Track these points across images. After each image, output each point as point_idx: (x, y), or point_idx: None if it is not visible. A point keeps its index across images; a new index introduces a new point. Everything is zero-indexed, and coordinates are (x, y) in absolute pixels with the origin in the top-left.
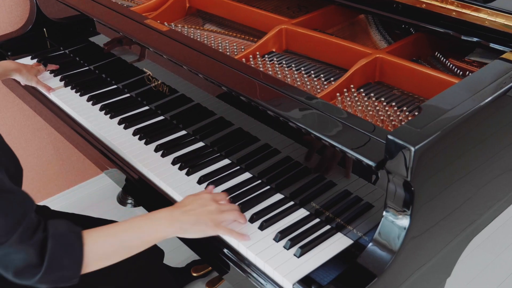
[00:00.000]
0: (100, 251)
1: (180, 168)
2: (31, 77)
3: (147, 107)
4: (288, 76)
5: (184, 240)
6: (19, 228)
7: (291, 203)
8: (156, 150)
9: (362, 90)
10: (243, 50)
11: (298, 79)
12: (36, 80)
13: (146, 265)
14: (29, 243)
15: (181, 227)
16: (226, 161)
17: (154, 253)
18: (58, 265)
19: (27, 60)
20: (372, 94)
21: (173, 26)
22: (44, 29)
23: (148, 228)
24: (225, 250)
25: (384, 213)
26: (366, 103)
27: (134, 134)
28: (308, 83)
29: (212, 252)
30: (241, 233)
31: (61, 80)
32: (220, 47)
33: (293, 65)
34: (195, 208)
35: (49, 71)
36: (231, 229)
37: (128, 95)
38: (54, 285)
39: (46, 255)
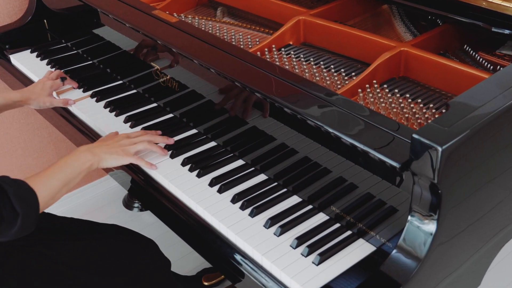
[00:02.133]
0: (47, 194)
1: (191, 170)
2: (43, 100)
3: (155, 104)
4: (306, 70)
5: (194, 247)
6: None
7: (310, 207)
8: None
9: (385, 85)
10: (258, 43)
11: (317, 74)
12: (50, 101)
13: (152, 275)
14: None
15: (99, 156)
16: (239, 162)
17: (160, 262)
18: (27, 219)
19: (27, 54)
20: (396, 90)
21: (183, 17)
22: (45, 21)
23: (74, 162)
24: (239, 257)
25: (409, 217)
26: (390, 100)
27: None
28: (327, 78)
29: (224, 259)
30: (150, 162)
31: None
32: (233, 40)
33: (311, 59)
34: (109, 143)
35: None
36: (140, 158)
37: (134, 91)
38: (21, 235)
39: (19, 214)
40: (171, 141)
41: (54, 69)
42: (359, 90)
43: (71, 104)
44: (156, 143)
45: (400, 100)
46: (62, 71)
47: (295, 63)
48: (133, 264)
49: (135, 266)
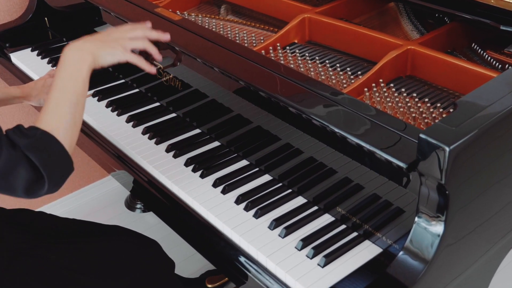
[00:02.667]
0: (66, 125)
1: (194, 170)
2: (44, 97)
3: (157, 104)
4: (312, 69)
5: (198, 248)
6: None
7: (315, 208)
8: (168, 150)
9: (392, 84)
10: (262, 41)
11: (322, 73)
12: None
13: (155, 277)
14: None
15: (94, 54)
16: (244, 162)
17: (164, 263)
18: (52, 166)
19: (27, 53)
20: (403, 89)
21: (186, 15)
22: (46, 19)
23: (74, 74)
24: (243, 259)
25: (416, 219)
26: (397, 99)
27: (144, 133)
28: (333, 77)
29: (228, 261)
30: (149, 64)
31: None
32: (237, 38)
33: (316, 58)
34: (102, 39)
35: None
36: (140, 57)
37: (137, 90)
38: (65, 179)
39: (39, 168)
40: (167, 36)
41: (55, 68)
42: (365, 89)
43: None
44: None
45: (407, 100)
46: None
47: (300, 62)
48: (136, 266)
49: (138, 268)
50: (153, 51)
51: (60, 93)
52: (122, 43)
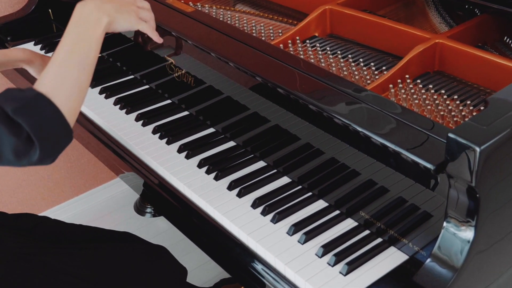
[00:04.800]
0: (67, 91)
1: (208, 172)
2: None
3: (169, 101)
4: (333, 64)
5: (211, 255)
6: None
7: (337, 212)
8: (180, 150)
9: (419, 80)
10: (280, 34)
11: (344, 68)
12: None
13: (166, 286)
14: None
15: (111, 16)
16: (261, 164)
17: (175, 271)
18: (44, 132)
19: (30, 47)
20: (430, 86)
21: (199, 6)
22: (50, 10)
23: (85, 34)
24: (260, 266)
25: (445, 224)
26: (424, 96)
27: (154, 132)
28: (356, 72)
29: (244, 268)
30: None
31: None
32: (254, 31)
33: (338, 52)
34: (117, 1)
35: None
36: (149, 26)
37: (147, 86)
38: (62, 149)
39: (29, 132)
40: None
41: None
42: (391, 85)
43: None
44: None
45: (435, 97)
46: None
47: (321, 56)
48: (145, 274)
49: (148, 277)
50: (153, 34)
51: (67, 53)
52: (136, 10)
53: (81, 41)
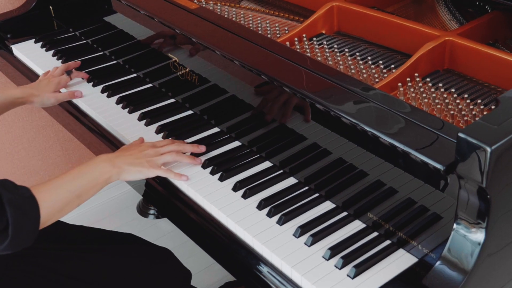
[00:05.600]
0: (54, 206)
1: (212, 172)
2: (47, 96)
3: (172, 100)
4: (341, 62)
5: (216, 258)
6: None
7: (344, 213)
8: None
9: (428, 79)
10: (286, 31)
11: (352, 67)
12: (55, 97)
13: None
14: None
15: (121, 167)
16: (266, 164)
17: (179, 274)
18: (21, 231)
19: (30, 44)
20: (440, 84)
21: (203, 3)
22: (50, 7)
23: (92, 173)
24: (265, 269)
25: (455, 225)
26: (433, 95)
27: (158, 131)
28: (364, 71)
29: (249, 271)
30: (179, 173)
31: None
32: (259, 29)
33: (346, 50)
34: (133, 153)
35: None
36: (168, 169)
37: (150, 85)
38: (21, 247)
39: (9, 224)
40: (202, 148)
41: (60, 61)
42: (399, 84)
43: (79, 96)
44: (185, 153)
45: (445, 95)
46: (68, 63)
47: (328, 54)
48: (149, 277)
49: (151, 280)
50: (185, 160)
51: (68, 183)
52: (153, 161)
53: (84, 178)
